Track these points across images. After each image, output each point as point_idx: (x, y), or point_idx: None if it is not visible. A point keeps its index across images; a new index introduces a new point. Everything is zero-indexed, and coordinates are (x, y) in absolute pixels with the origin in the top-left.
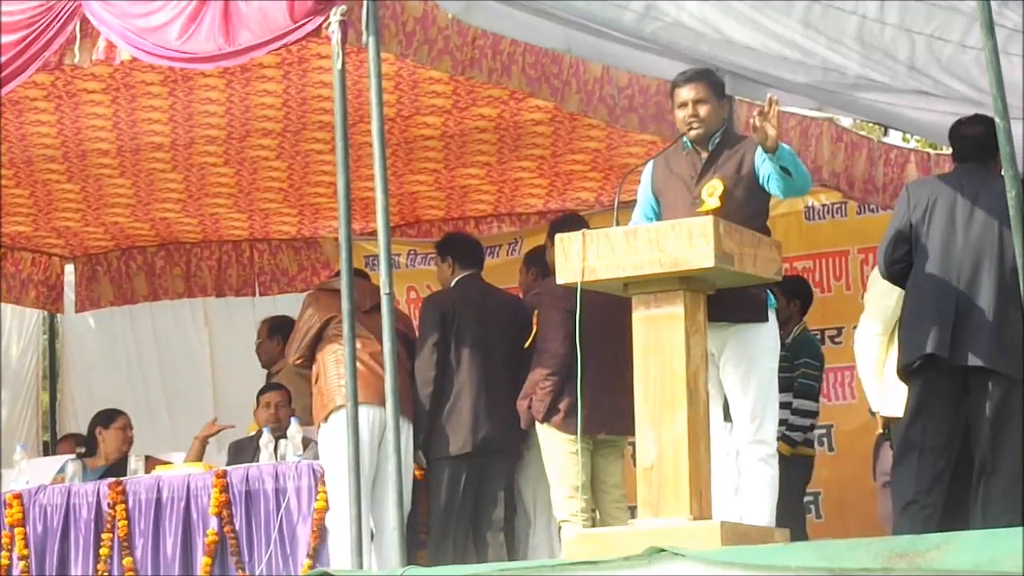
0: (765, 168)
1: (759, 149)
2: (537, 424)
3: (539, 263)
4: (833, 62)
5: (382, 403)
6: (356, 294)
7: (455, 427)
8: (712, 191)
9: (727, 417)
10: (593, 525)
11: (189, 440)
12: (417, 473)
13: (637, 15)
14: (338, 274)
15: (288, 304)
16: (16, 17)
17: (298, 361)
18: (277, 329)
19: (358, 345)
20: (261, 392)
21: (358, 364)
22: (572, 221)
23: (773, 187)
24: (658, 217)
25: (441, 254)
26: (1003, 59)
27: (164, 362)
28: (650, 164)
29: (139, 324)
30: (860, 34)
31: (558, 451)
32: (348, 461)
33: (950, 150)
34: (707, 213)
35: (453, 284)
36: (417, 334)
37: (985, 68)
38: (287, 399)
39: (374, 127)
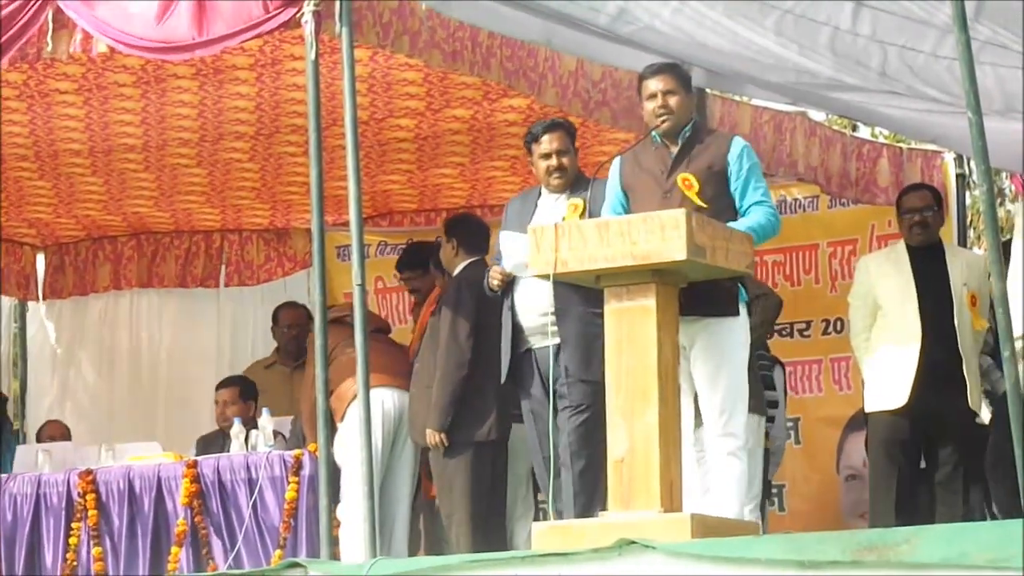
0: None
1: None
2: None
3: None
4: (806, 67)
5: (399, 384)
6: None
7: (484, 412)
8: (688, 184)
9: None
10: None
11: (149, 430)
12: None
13: (610, 18)
14: (334, 307)
15: (254, 296)
16: None
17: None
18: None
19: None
20: (216, 388)
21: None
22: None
23: None
24: (627, 212)
25: (446, 234)
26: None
27: (125, 353)
28: (617, 160)
29: (100, 314)
30: (832, 44)
31: None
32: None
33: (923, 146)
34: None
35: (463, 268)
36: (444, 312)
37: (957, 76)
38: (238, 395)
39: (347, 117)
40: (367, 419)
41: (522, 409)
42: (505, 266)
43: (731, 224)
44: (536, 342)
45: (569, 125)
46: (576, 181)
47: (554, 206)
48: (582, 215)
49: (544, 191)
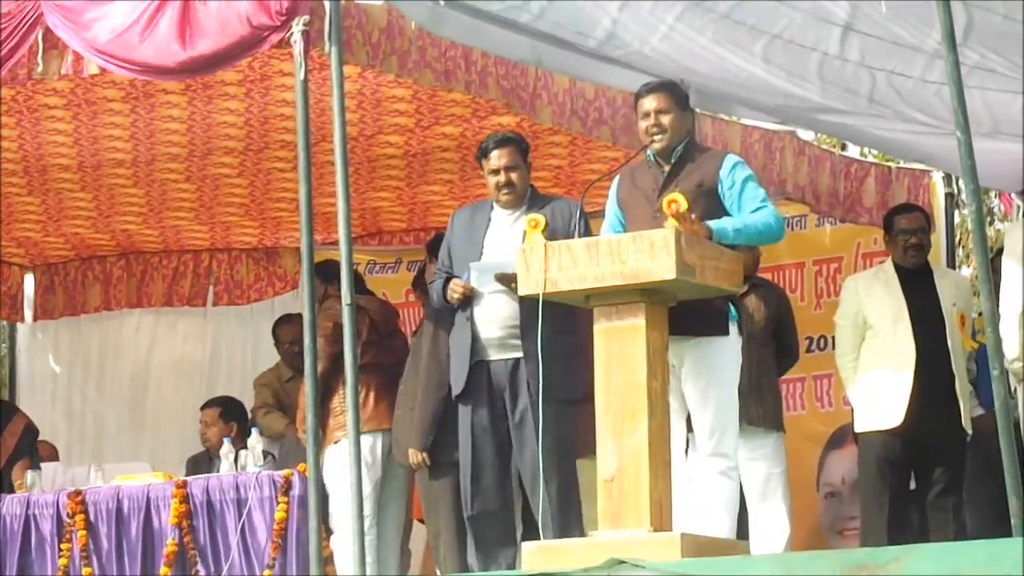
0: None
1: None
2: None
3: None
4: (794, 94)
5: (387, 428)
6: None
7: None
8: (673, 205)
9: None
10: None
11: (135, 451)
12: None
13: (598, 42)
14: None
15: (242, 315)
16: None
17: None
18: None
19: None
20: (200, 408)
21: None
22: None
23: None
24: (625, 230)
25: (429, 254)
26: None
27: (115, 373)
28: (617, 178)
29: (87, 334)
30: (821, 70)
31: None
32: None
33: (911, 165)
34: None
35: None
36: (425, 332)
37: (945, 101)
38: (218, 416)
39: (336, 135)
40: (357, 453)
41: (462, 420)
42: (471, 281)
43: (722, 220)
44: (493, 354)
45: (520, 140)
46: (531, 197)
47: (508, 221)
48: (543, 231)
49: (496, 206)
